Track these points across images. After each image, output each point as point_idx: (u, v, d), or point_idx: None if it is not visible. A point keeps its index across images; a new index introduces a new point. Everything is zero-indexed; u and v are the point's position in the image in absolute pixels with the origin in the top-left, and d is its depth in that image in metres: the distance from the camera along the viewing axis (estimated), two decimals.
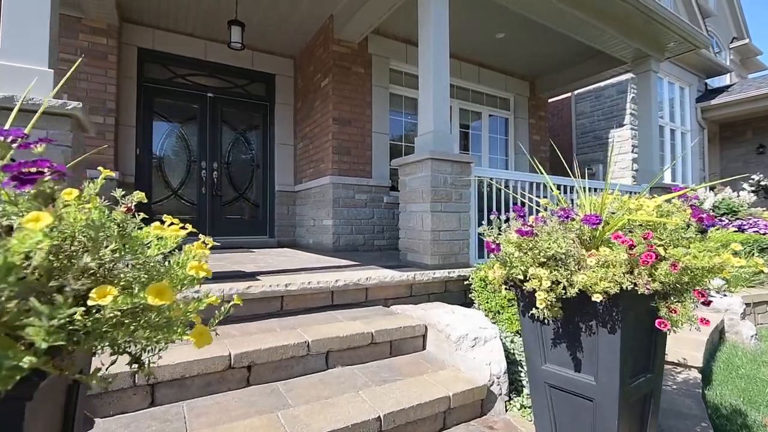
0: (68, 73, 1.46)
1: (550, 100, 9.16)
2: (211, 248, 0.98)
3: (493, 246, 1.71)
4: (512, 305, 3.05)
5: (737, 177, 4.92)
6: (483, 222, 4.06)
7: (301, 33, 6.19)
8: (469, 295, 3.47)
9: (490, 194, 4.03)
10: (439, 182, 3.64)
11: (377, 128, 5.93)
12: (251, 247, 6.29)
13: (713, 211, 8.56)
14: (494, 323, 2.93)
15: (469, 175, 3.85)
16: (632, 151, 9.44)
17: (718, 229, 1.64)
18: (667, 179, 10.55)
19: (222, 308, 0.97)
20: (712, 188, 12.10)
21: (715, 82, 12.57)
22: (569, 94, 10.53)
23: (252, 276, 2.97)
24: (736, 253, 1.43)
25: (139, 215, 0.93)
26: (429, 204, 3.59)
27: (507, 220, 1.83)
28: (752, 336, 3.83)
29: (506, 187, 4.28)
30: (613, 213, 1.65)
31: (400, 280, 3.26)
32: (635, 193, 6.02)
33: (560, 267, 1.49)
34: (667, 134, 10.67)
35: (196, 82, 6.38)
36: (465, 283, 3.56)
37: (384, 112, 6.03)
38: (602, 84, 9.78)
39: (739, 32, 15.32)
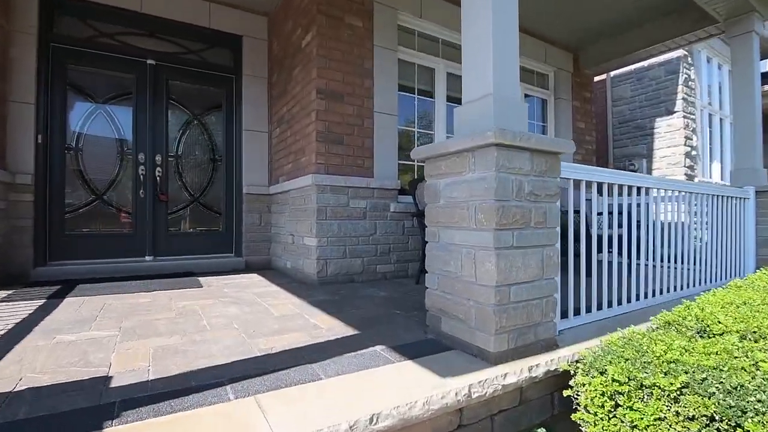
0: None
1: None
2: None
3: None
4: None
5: None
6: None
7: None
8: (572, 412, 1.68)
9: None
10: (510, 189, 1.84)
11: (381, 107, 4.12)
12: (209, 272, 4.47)
13: None
14: None
15: (556, 175, 2.05)
16: (685, 144, 7.66)
17: None
18: (716, 177, 8.80)
19: None
20: None
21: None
22: (604, 76, 8.73)
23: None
24: None
25: None
26: (491, 232, 1.79)
27: None
28: None
29: (600, 192, 2.51)
30: None
31: (442, 407, 1.47)
32: (736, 197, 4.27)
33: None
34: (716, 124, 8.89)
35: (131, 44, 4.52)
36: (554, 379, 1.80)
37: (391, 84, 4.21)
38: (645, 63, 7.99)
39: None
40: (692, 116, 7.93)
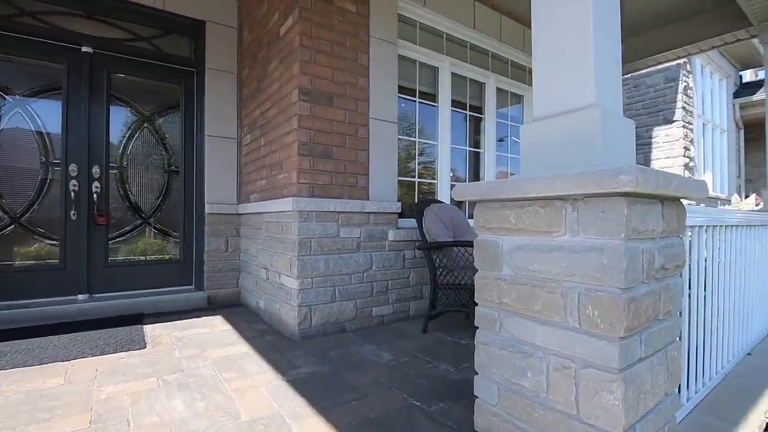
0: None
1: None
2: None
3: None
4: None
5: None
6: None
7: None
8: None
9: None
10: (641, 267, 1.08)
11: (378, 112, 3.31)
12: (162, 314, 3.54)
13: None
14: None
15: (682, 232, 1.32)
16: (684, 155, 7.23)
17: None
18: (709, 189, 8.46)
19: None
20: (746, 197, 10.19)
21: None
22: None
23: None
24: None
25: None
26: (615, 343, 1.03)
27: None
28: None
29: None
30: None
31: None
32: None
33: None
34: (708, 133, 8.56)
35: (62, 27, 3.52)
36: None
37: (390, 84, 3.41)
38: (644, 71, 7.51)
39: None
40: (690, 126, 7.52)
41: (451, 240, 3.05)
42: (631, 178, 0.97)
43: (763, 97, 9.27)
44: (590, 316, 1.09)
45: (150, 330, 3.02)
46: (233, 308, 3.76)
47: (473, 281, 2.76)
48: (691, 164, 7.50)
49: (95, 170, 3.57)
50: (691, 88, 7.57)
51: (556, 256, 1.16)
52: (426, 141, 3.91)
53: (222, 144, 4.00)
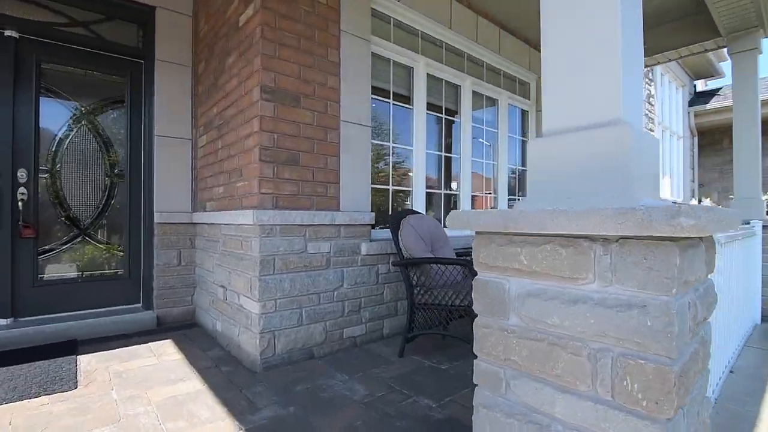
0: None
1: None
2: None
3: None
4: None
5: None
6: None
7: None
8: None
9: None
10: (687, 327, 0.87)
11: (350, 114, 3.02)
12: (102, 339, 3.10)
13: None
14: None
15: (713, 270, 1.12)
16: None
17: None
18: (667, 193, 8.74)
19: None
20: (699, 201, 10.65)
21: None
22: None
23: None
24: None
25: None
26: (661, 427, 0.82)
27: None
28: None
29: None
30: None
31: None
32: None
33: None
34: (666, 140, 8.83)
35: None
36: None
37: (362, 84, 3.12)
38: None
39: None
40: (653, 133, 7.69)
41: (431, 257, 2.81)
42: (694, 222, 0.75)
43: (716, 105, 9.71)
44: (628, 388, 0.86)
45: (85, 362, 2.59)
46: (187, 330, 3.36)
47: (453, 301, 2.55)
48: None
49: (21, 174, 3.07)
50: (653, 96, 7.75)
51: (582, 309, 0.93)
52: (401, 146, 3.66)
53: (174, 145, 3.57)
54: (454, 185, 4.23)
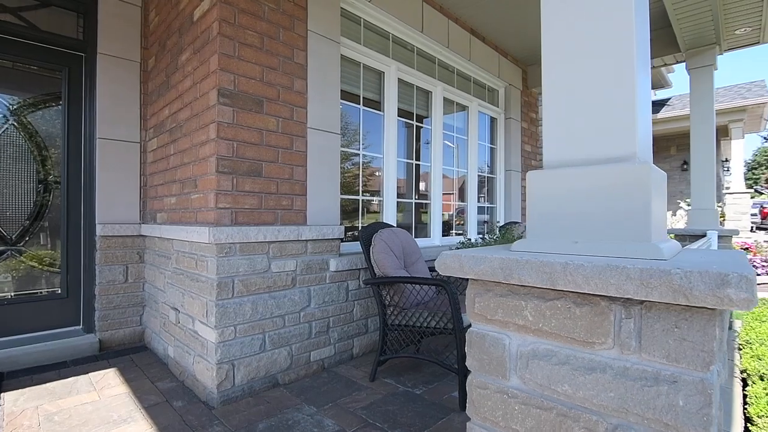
0: None
1: None
2: None
3: None
4: None
5: None
6: None
7: None
8: None
9: None
10: (718, 402, 0.77)
11: (319, 121, 2.80)
12: (34, 369, 2.71)
13: None
14: None
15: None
16: None
17: None
18: None
19: None
20: None
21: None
22: None
23: None
24: None
25: None
26: None
27: None
28: None
29: None
30: None
31: None
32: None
33: None
34: None
35: None
36: None
37: (332, 89, 2.91)
38: None
39: None
40: None
41: (405, 276, 2.66)
42: (746, 296, 0.62)
43: (666, 115, 10.23)
44: None
45: (11, 401, 2.24)
46: (135, 354, 3.03)
47: (428, 323, 2.41)
48: None
49: None
50: None
51: (600, 379, 0.80)
52: (371, 153, 3.48)
53: (119, 149, 3.21)
54: (423, 189, 4.10)
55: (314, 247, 2.72)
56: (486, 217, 4.98)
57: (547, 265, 0.83)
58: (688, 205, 10.47)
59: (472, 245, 3.61)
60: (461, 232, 4.60)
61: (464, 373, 2.12)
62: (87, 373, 2.65)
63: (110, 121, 3.15)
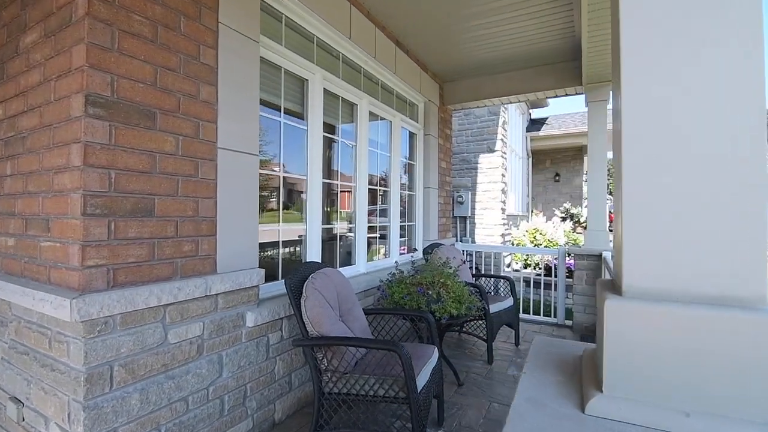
0: None
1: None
2: None
3: None
4: None
5: None
6: None
7: None
8: None
9: None
10: None
11: (233, 139, 2.18)
12: None
13: None
14: None
15: None
16: (501, 181, 8.08)
17: None
18: (511, 207, 9.84)
19: None
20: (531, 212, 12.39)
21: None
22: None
23: None
24: None
25: None
26: None
27: None
28: None
29: None
30: None
31: None
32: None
33: None
34: (515, 160, 9.95)
35: None
36: None
37: (250, 98, 2.30)
38: None
39: None
40: (505, 155, 8.48)
41: (349, 337, 2.22)
42: None
43: (545, 133, 11.37)
44: None
45: None
46: None
47: (376, 391, 1.98)
48: (506, 188, 8.49)
49: None
50: (507, 123, 8.54)
51: None
52: (293, 174, 2.94)
53: None
54: (349, 211, 3.69)
55: (227, 301, 2.12)
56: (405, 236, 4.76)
57: None
58: (561, 213, 11.90)
59: (402, 273, 3.32)
60: (384, 252, 4.30)
61: None
62: None
63: None
